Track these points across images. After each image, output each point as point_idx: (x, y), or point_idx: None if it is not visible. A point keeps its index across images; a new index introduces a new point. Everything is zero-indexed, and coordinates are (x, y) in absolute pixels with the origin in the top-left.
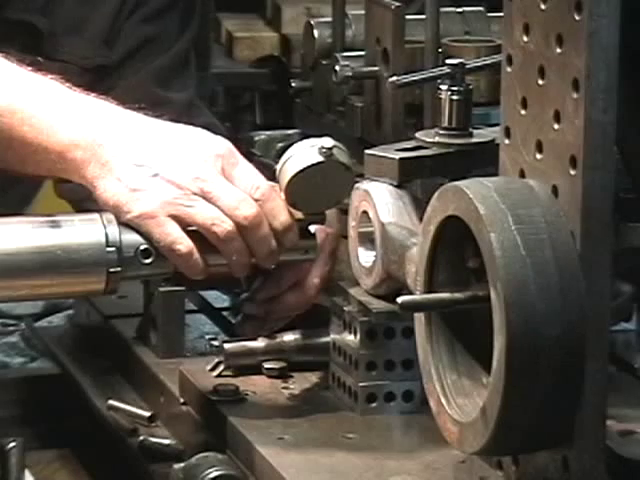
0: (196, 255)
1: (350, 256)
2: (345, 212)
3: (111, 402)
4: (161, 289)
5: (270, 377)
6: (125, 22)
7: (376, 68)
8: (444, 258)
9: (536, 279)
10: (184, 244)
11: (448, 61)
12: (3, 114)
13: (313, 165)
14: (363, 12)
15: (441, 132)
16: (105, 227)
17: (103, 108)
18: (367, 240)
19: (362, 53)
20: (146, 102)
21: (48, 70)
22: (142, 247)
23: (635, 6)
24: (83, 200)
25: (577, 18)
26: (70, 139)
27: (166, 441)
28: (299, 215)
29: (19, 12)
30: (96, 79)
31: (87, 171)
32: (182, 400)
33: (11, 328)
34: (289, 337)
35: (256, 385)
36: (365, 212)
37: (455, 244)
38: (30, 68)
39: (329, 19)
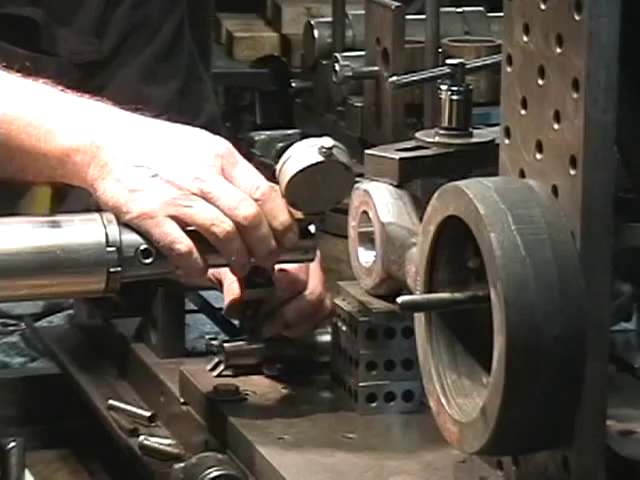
0: (196, 255)
1: (350, 256)
2: (345, 212)
3: (111, 402)
4: (161, 289)
5: (270, 377)
6: (114, 12)
7: (376, 68)
8: (444, 258)
9: (536, 279)
10: (184, 244)
11: (448, 61)
12: None
13: (313, 165)
14: (363, 12)
15: (441, 132)
16: (105, 227)
17: (100, 110)
18: (367, 240)
19: (362, 53)
20: (132, 101)
21: (44, 67)
22: (142, 247)
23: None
24: None
25: (577, 18)
26: (69, 143)
27: (166, 441)
28: (299, 215)
29: (16, 6)
30: (86, 76)
31: (87, 174)
32: (182, 400)
33: (11, 328)
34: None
35: (256, 385)
36: (365, 212)
37: (455, 244)
38: (25, 70)
39: (329, 19)
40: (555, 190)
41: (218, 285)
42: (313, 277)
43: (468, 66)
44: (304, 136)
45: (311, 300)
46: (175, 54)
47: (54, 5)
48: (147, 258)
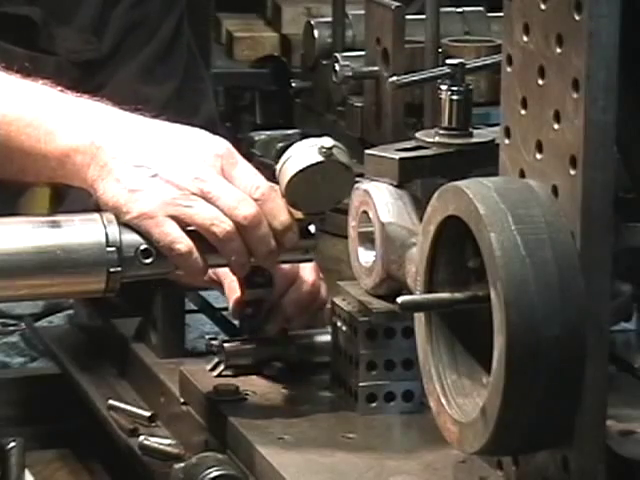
0: (195, 255)
1: (350, 256)
2: (345, 212)
3: (111, 402)
4: (161, 289)
5: (270, 377)
6: (113, 10)
7: (376, 68)
8: (444, 258)
9: (536, 279)
10: (183, 244)
11: (448, 61)
12: None
13: (313, 165)
14: (363, 12)
15: (441, 132)
16: (105, 227)
17: (99, 110)
18: (367, 240)
19: (362, 53)
20: (130, 100)
21: (43, 66)
22: (142, 247)
23: (635, 6)
24: None
25: (577, 18)
26: (69, 144)
27: (166, 441)
28: (299, 215)
29: (14, 5)
30: (85, 75)
31: (87, 174)
32: (182, 400)
33: (11, 328)
34: (289, 337)
35: (256, 385)
36: (365, 212)
37: (455, 244)
38: (24, 70)
39: (329, 19)
40: (555, 190)
41: (217, 285)
42: (305, 266)
43: (468, 66)
44: (304, 136)
45: (306, 289)
46: (174, 53)
47: (52, 4)
48: (147, 258)
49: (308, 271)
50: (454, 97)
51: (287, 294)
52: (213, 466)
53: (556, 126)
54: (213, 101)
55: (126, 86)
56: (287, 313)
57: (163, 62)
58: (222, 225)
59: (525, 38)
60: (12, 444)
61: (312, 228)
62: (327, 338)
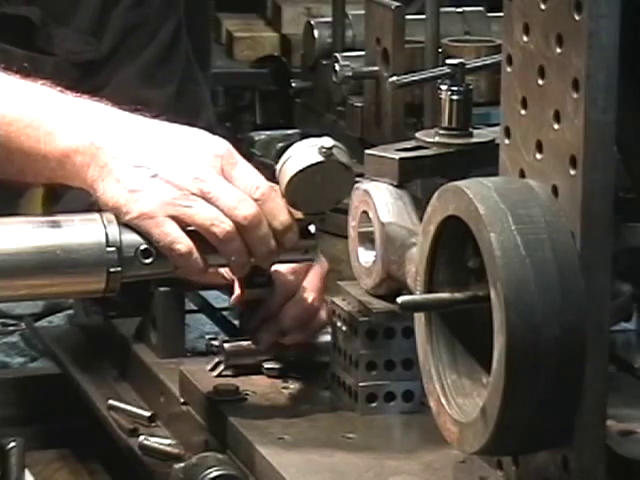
0: (195, 255)
1: (350, 256)
2: (345, 212)
3: (111, 402)
4: (161, 289)
5: (270, 377)
6: (112, 11)
7: (376, 68)
8: (444, 258)
9: (536, 279)
10: (183, 244)
11: (448, 61)
12: None
13: (313, 165)
14: (363, 12)
15: (441, 132)
16: (105, 227)
17: (99, 110)
18: (367, 240)
19: (362, 53)
20: (130, 104)
21: (42, 66)
22: (142, 247)
23: (635, 5)
24: None
25: (577, 18)
26: (68, 145)
27: (166, 441)
28: (299, 215)
29: (13, 5)
30: (84, 76)
31: (87, 175)
32: (182, 400)
33: (11, 328)
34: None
35: (256, 385)
36: (365, 212)
37: (455, 244)
38: (24, 71)
39: (329, 19)
40: (555, 190)
41: (228, 282)
42: (308, 284)
43: (468, 66)
44: (304, 136)
45: (302, 307)
46: (173, 57)
47: (51, 4)
48: (147, 258)
49: (309, 290)
50: (454, 97)
51: (285, 308)
52: (213, 466)
53: (556, 126)
54: (211, 107)
55: (126, 89)
56: (284, 327)
57: (163, 66)
58: (222, 225)
59: (525, 38)
60: (12, 444)
61: (312, 228)
62: (327, 338)
